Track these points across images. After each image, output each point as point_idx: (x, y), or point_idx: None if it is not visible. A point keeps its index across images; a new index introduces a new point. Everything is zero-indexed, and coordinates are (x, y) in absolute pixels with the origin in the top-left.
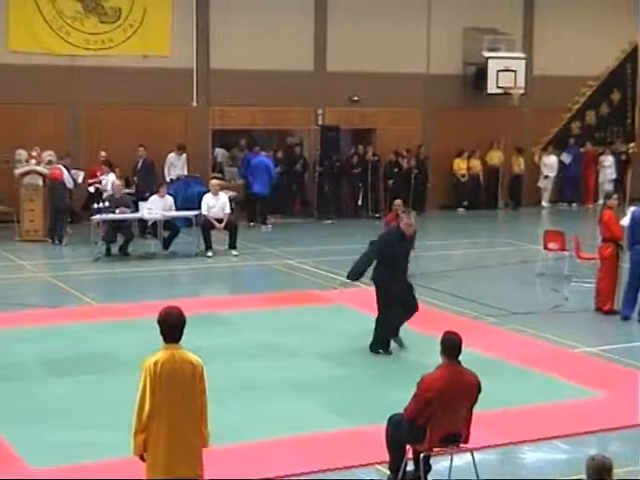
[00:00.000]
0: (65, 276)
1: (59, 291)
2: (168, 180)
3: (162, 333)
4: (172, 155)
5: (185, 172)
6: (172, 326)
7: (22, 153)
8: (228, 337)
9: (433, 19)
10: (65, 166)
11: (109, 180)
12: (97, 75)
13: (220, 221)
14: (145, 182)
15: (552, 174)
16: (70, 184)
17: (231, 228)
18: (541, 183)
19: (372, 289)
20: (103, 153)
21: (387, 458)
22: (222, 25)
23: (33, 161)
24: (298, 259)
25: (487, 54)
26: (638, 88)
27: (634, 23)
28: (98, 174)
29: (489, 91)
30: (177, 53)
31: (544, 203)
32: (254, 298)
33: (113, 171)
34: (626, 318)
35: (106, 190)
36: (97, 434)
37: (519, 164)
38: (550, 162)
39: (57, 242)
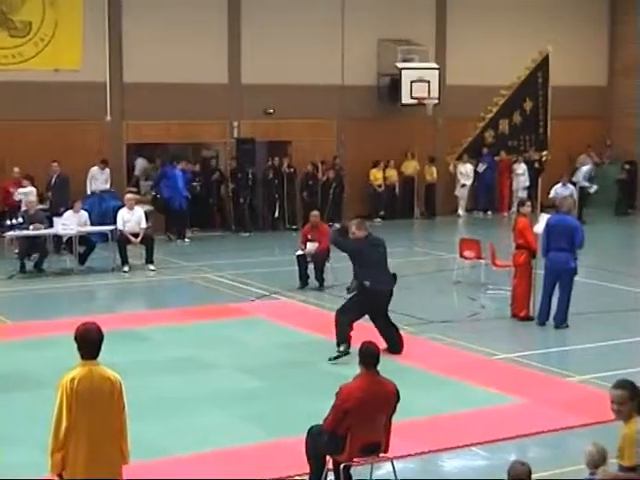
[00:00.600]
0: None
1: None
2: (89, 193)
3: (79, 350)
4: (95, 169)
5: (107, 186)
6: (90, 342)
7: None
8: (146, 352)
9: (347, 31)
10: None
11: (32, 192)
12: (8, 90)
13: (136, 235)
14: (59, 197)
15: (468, 182)
16: None
17: (147, 242)
18: (458, 192)
19: (289, 301)
20: (16, 169)
21: (307, 469)
22: (135, 38)
23: None
24: (216, 272)
25: (401, 65)
26: (549, 97)
27: (544, 32)
28: (11, 190)
29: (403, 101)
30: (89, 67)
31: (461, 212)
32: (172, 312)
33: (33, 185)
34: (542, 324)
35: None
36: (13, 453)
37: (432, 173)
38: (466, 171)
39: None
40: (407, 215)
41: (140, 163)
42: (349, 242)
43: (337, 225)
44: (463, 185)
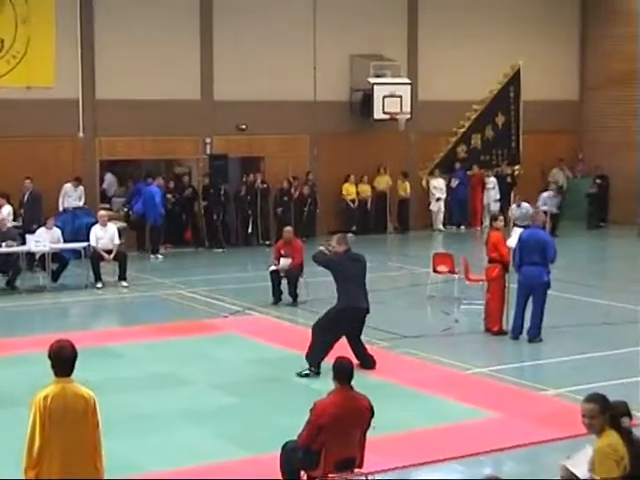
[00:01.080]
0: None
1: None
2: (61, 210)
3: (53, 367)
4: (68, 185)
5: (81, 204)
6: (64, 360)
7: None
8: (120, 369)
9: (319, 46)
10: None
11: (8, 211)
12: None
13: (109, 252)
14: (32, 214)
15: (443, 196)
16: None
17: (120, 259)
18: (433, 206)
19: (263, 317)
20: None
21: None
22: (108, 55)
23: None
24: (189, 288)
25: (373, 80)
26: (521, 111)
27: (516, 47)
28: None
29: (375, 117)
30: (62, 84)
31: (440, 226)
32: (145, 329)
33: (9, 203)
34: (515, 338)
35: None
36: None
37: (405, 188)
38: (439, 185)
39: None
40: (380, 230)
41: (108, 178)
42: (328, 256)
43: (321, 247)
44: (438, 199)
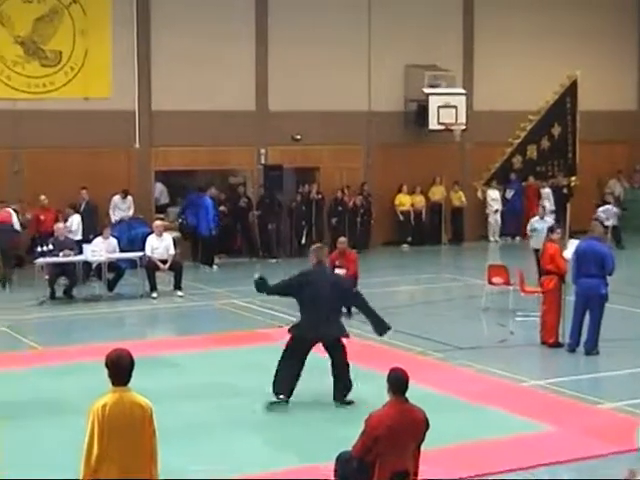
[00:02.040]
0: (9, 320)
1: (3, 336)
2: (113, 222)
3: (110, 376)
4: (117, 198)
5: (130, 214)
6: (121, 369)
7: None
8: (176, 378)
9: (374, 57)
10: (15, 210)
11: (74, 221)
12: (39, 118)
13: (164, 262)
14: (88, 224)
15: (499, 207)
16: (18, 227)
17: (176, 269)
18: (491, 218)
19: None
20: (43, 197)
21: None
22: (164, 66)
23: None
24: (243, 298)
25: (428, 90)
26: (578, 121)
27: (573, 57)
28: (42, 217)
29: (430, 127)
30: (118, 95)
31: (495, 237)
32: (200, 339)
33: (78, 212)
34: (572, 351)
35: (71, 232)
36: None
37: (459, 197)
38: (496, 196)
39: (2, 286)
40: (434, 241)
41: (158, 188)
42: (282, 281)
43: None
44: (496, 210)
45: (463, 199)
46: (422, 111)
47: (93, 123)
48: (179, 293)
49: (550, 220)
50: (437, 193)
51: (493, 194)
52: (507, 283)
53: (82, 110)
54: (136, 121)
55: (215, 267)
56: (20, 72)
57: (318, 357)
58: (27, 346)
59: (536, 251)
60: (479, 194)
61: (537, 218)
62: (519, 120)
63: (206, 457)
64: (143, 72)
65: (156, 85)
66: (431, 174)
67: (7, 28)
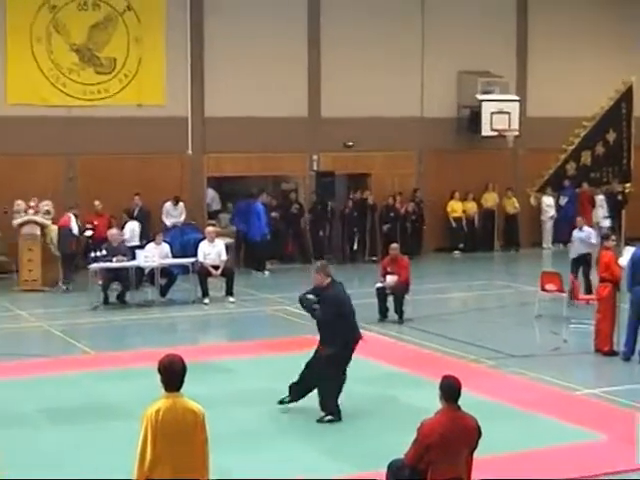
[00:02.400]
0: (63, 325)
1: (57, 340)
2: (169, 225)
3: (163, 381)
4: (168, 204)
5: (182, 220)
6: (173, 374)
7: (20, 203)
8: (227, 384)
9: (427, 63)
10: (75, 215)
11: (128, 228)
12: (93, 125)
13: (217, 268)
14: (141, 230)
15: (554, 214)
16: (77, 232)
17: (228, 275)
18: (546, 225)
19: (369, 334)
20: (97, 202)
21: None
22: (216, 73)
23: (31, 211)
24: (295, 304)
25: (481, 97)
26: (633, 127)
27: (628, 62)
28: (95, 223)
29: (483, 133)
30: (172, 101)
31: (549, 244)
32: (252, 345)
33: (135, 219)
34: (627, 359)
35: (125, 239)
36: None
37: (512, 204)
38: (551, 202)
39: (65, 289)
40: (487, 248)
41: (210, 194)
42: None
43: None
44: (551, 217)
45: (517, 205)
46: (475, 117)
47: (146, 129)
48: (231, 299)
49: (589, 230)
50: (489, 200)
51: (548, 200)
52: (560, 290)
53: (136, 117)
54: (189, 127)
55: (267, 273)
56: (75, 79)
57: (370, 364)
58: (80, 351)
59: (574, 260)
60: (532, 201)
61: (577, 229)
62: (573, 126)
63: (258, 464)
64: (196, 79)
65: (209, 91)
66: (483, 180)
67: (63, 36)
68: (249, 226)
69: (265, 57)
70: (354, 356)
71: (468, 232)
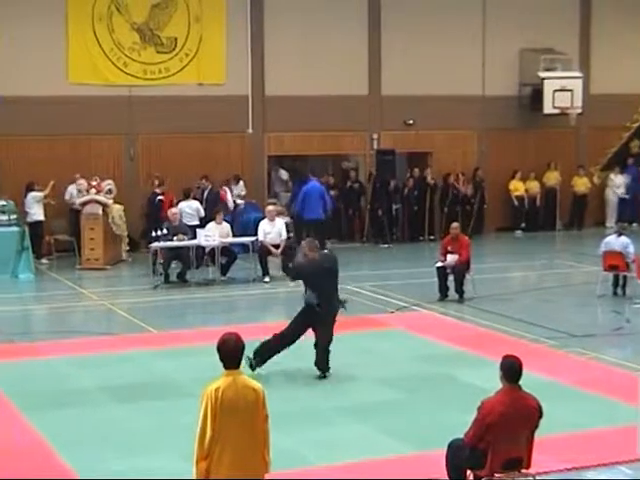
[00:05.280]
0: (125, 303)
1: (119, 318)
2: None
3: (222, 359)
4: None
5: (241, 200)
6: (230, 352)
7: (82, 183)
8: (286, 362)
9: (488, 40)
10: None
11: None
12: (154, 104)
13: (277, 247)
14: (211, 212)
15: (621, 192)
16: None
17: (288, 253)
18: (612, 204)
19: (429, 313)
20: (157, 182)
21: None
22: (276, 52)
23: (93, 190)
24: (355, 283)
25: (543, 74)
26: None
27: None
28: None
29: (545, 111)
30: (232, 80)
31: (613, 224)
32: None
33: (195, 198)
34: None
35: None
36: (159, 461)
37: (584, 183)
38: (620, 182)
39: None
40: (548, 227)
41: (284, 174)
42: (298, 267)
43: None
44: (622, 194)
45: (589, 185)
46: (537, 95)
47: (207, 109)
48: None
49: (626, 241)
50: (552, 178)
51: (617, 179)
52: (623, 269)
53: (196, 96)
54: (249, 106)
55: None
56: (136, 59)
57: (430, 343)
58: (142, 329)
59: None
60: (595, 180)
61: (613, 236)
62: (637, 104)
63: (317, 442)
64: (256, 57)
65: (269, 70)
66: (545, 159)
67: (124, 15)
68: (306, 206)
69: (325, 35)
70: (415, 335)
71: (530, 211)
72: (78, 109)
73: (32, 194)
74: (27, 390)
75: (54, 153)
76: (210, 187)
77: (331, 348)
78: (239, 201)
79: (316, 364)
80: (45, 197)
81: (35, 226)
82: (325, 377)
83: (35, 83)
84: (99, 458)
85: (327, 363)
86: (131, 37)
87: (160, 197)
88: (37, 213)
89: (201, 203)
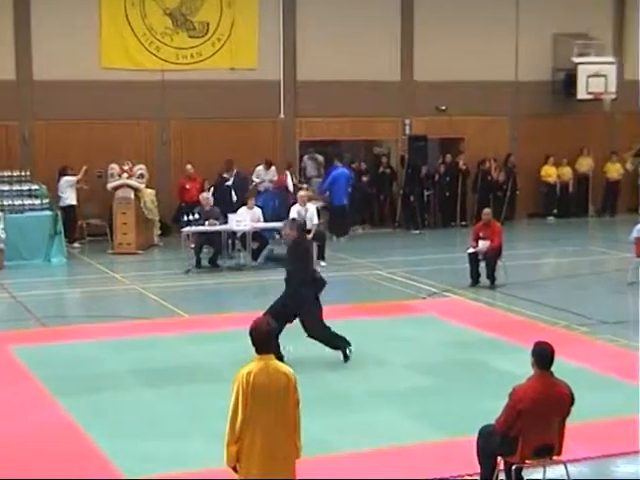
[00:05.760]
0: (156, 288)
1: (151, 303)
2: (262, 189)
3: (253, 344)
4: (260, 168)
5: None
6: (260, 337)
7: (114, 167)
8: (318, 348)
9: (521, 26)
10: None
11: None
12: (186, 89)
13: (308, 232)
14: (240, 197)
15: None
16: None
17: (319, 238)
18: None
19: (460, 299)
20: (189, 166)
21: (478, 470)
22: (308, 37)
23: (125, 175)
24: (387, 269)
25: (577, 59)
26: None
27: None
28: (187, 186)
29: (579, 97)
30: (264, 65)
31: None
32: (343, 308)
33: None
34: None
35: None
36: (190, 444)
37: (617, 169)
38: None
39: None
40: (581, 213)
41: (319, 159)
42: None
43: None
44: None
45: (622, 171)
46: (570, 80)
47: (239, 93)
48: (322, 263)
49: None
50: (584, 164)
51: None
52: None
53: (228, 80)
54: (281, 91)
55: (342, 239)
56: (168, 43)
57: (461, 329)
58: (173, 313)
59: None
60: (628, 166)
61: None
62: None
63: (348, 427)
64: (289, 42)
65: (301, 55)
66: (578, 145)
67: (156, 1)
68: (334, 192)
69: (357, 20)
70: (446, 321)
71: (562, 197)
72: (110, 94)
73: (65, 178)
74: (59, 374)
75: (87, 138)
76: (238, 172)
77: (366, 334)
78: (265, 185)
79: (329, 347)
80: (78, 182)
81: (68, 210)
82: (347, 357)
83: (68, 68)
84: (132, 442)
85: (335, 340)
86: (163, 22)
87: (228, 183)
88: (70, 197)
89: (230, 190)
